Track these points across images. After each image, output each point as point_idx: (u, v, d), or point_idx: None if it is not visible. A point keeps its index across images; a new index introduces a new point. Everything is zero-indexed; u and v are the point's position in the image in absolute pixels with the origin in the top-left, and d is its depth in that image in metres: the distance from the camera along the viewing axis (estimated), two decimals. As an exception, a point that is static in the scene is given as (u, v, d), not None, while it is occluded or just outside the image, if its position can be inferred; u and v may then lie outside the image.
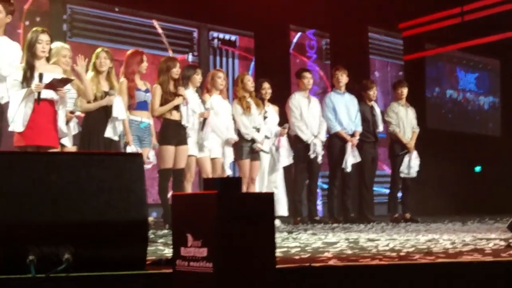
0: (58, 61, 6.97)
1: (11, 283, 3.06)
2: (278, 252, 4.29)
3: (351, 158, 9.64)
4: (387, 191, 10.58)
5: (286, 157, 9.22)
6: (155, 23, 11.33)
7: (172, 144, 7.89)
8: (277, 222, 8.88)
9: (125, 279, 3.18)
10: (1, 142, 6.41)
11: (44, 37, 6.52)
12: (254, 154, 8.88)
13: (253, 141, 8.85)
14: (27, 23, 9.37)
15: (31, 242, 3.19)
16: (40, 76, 6.34)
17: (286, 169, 9.54)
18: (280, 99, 9.62)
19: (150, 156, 7.78)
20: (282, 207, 9.32)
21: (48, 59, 6.63)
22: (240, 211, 2.79)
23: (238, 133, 8.78)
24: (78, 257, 3.18)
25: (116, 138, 7.26)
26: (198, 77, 8.25)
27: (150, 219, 8.13)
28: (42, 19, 9.60)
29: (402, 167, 10.04)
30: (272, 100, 9.39)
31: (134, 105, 7.65)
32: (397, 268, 3.58)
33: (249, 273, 2.78)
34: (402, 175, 10.08)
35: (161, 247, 4.86)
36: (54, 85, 6.35)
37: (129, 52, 7.92)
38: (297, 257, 4.04)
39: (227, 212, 2.77)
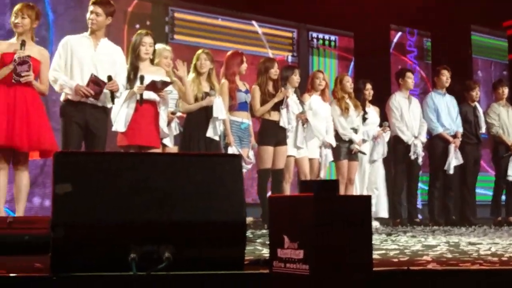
0: (159, 62, 7.11)
1: (113, 280, 3.15)
2: (376, 255, 4.25)
3: (454, 160, 9.48)
4: (490, 193, 10.34)
5: (379, 152, 9.15)
6: (255, 24, 11.41)
7: (271, 144, 7.94)
8: (376, 224, 8.81)
9: (223, 279, 3.22)
10: (106, 142, 6.59)
11: (148, 40, 6.68)
12: (352, 155, 8.84)
13: (350, 142, 8.82)
14: (136, 26, 9.58)
15: (133, 241, 3.26)
16: (142, 78, 6.48)
17: (386, 171, 9.45)
18: (380, 100, 9.55)
19: (250, 156, 7.85)
20: (382, 209, 9.25)
21: (152, 61, 6.79)
22: (337, 214, 2.79)
23: (336, 134, 8.76)
24: (178, 256, 3.24)
25: (216, 138, 7.36)
26: (296, 78, 8.28)
27: (249, 219, 8.20)
28: (145, 22, 9.81)
29: (509, 170, 9.80)
30: (372, 101, 9.32)
31: (235, 106, 7.73)
32: (498, 274, 3.50)
33: (346, 276, 2.77)
34: (510, 178, 9.83)
35: (259, 247, 4.89)
36: (155, 87, 6.48)
37: (229, 53, 8.01)
38: (395, 260, 4.00)
39: (324, 214, 2.77)
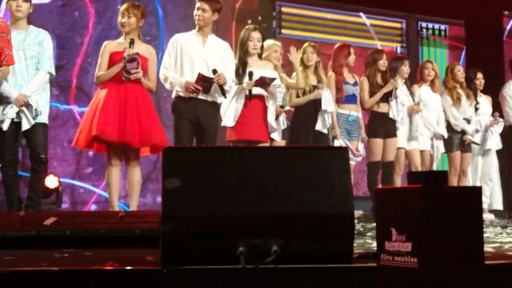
0: (269, 56, 7.15)
1: (222, 272, 3.19)
2: (490, 248, 4.15)
3: None
4: None
5: (492, 143, 8.91)
6: (363, 15, 11.31)
7: (381, 136, 7.86)
8: (491, 216, 8.59)
9: (331, 272, 3.21)
10: (217, 137, 6.68)
11: (256, 35, 6.73)
12: (465, 146, 8.65)
13: (463, 132, 8.62)
14: (248, 21, 9.66)
15: (241, 234, 3.29)
16: (250, 74, 6.54)
17: (500, 162, 9.20)
18: (492, 89, 9.29)
19: (359, 148, 7.79)
20: (497, 201, 9.02)
21: (260, 56, 6.84)
22: (445, 205, 2.73)
23: (448, 124, 8.59)
24: (285, 250, 3.25)
25: (325, 131, 7.34)
26: (405, 69, 8.16)
27: (359, 212, 8.14)
28: (253, 17, 9.87)
29: None
30: (484, 90, 9.09)
31: (342, 99, 7.69)
32: None
33: (455, 269, 2.71)
34: None
35: (369, 240, 4.85)
36: (263, 82, 6.53)
37: (336, 45, 7.97)
38: (510, 253, 3.89)
39: (432, 206, 2.72)
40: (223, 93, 6.41)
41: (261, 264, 3.16)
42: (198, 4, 6.50)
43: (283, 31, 10.45)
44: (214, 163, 3.43)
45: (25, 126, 5.91)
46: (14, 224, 3.25)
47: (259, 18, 9.90)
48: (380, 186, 7.83)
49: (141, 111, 6.14)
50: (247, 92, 6.54)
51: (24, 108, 5.89)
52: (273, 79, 6.61)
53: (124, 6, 6.35)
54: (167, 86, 6.46)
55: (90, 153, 7.30)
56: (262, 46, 6.83)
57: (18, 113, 5.90)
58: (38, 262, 3.44)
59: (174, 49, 6.47)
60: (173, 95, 6.48)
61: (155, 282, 3.17)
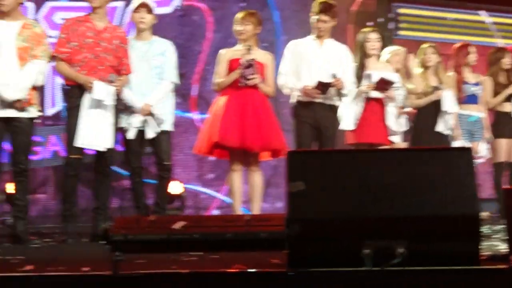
0: (390, 60, 7.12)
1: (348, 275, 3.20)
2: None
3: None
4: None
5: None
6: (483, 13, 11.06)
7: (505, 136, 7.67)
8: None
9: (458, 274, 3.17)
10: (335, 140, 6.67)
11: (373, 35, 6.72)
12: None
13: None
14: (367, 23, 9.62)
15: (366, 236, 3.29)
16: (369, 76, 6.52)
17: None
18: None
19: (482, 149, 7.62)
20: None
21: (379, 57, 6.82)
22: None
23: None
24: (411, 251, 3.23)
25: (447, 132, 7.23)
26: (530, 67, 7.94)
27: (485, 214, 7.96)
28: (371, 20, 9.81)
29: None
30: None
31: (463, 99, 7.55)
32: None
33: None
34: None
35: (496, 242, 4.75)
36: (383, 85, 6.50)
37: (456, 45, 7.83)
38: None
39: None
40: (341, 96, 6.42)
41: (387, 266, 3.15)
42: (317, 16, 6.49)
43: (401, 32, 10.34)
44: (337, 166, 3.45)
45: (150, 134, 6.09)
46: (144, 229, 3.36)
47: (378, 20, 9.84)
48: (507, 186, 7.63)
49: (261, 116, 6.22)
50: (366, 95, 6.53)
51: (149, 117, 6.06)
52: (393, 82, 6.57)
53: (240, 14, 6.44)
54: (286, 91, 6.52)
55: (212, 159, 7.43)
56: (381, 48, 6.81)
57: (143, 122, 6.08)
58: (168, 265, 3.55)
59: (292, 55, 6.52)
60: (292, 100, 6.53)
61: (280, 285, 3.22)
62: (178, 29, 8.74)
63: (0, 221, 6.69)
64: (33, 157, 7.18)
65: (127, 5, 8.21)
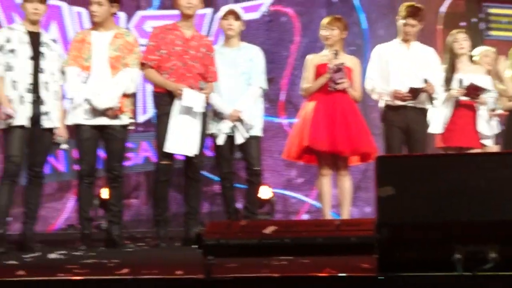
0: (480, 61, 7.02)
1: (438, 279, 3.18)
2: None
3: None
4: None
5: None
6: None
7: None
8: None
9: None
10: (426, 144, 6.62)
11: (460, 35, 6.67)
12: None
13: None
14: (448, 26, 9.51)
15: (457, 241, 3.27)
16: (460, 81, 6.47)
17: None
18: None
19: None
20: None
21: (471, 58, 6.75)
22: None
23: None
24: (503, 256, 3.19)
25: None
26: None
27: None
28: (461, 20, 9.68)
29: None
30: None
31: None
32: None
33: None
34: None
35: None
36: (473, 91, 6.44)
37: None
38: None
39: None
40: (431, 101, 6.38)
41: (478, 271, 3.12)
42: (404, 21, 6.44)
43: (492, 32, 10.16)
44: (427, 170, 3.44)
45: (239, 140, 6.16)
46: (236, 233, 3.42)
47: (470, 20, 9.70)
48: None
49: (350, 120, 6.22)
50: (456, 99, 6.48)
51: (238, 123, 6.14)
52: (484, 89, 6.49)
53: (326, 19, 6.46)
54: (375, 96, 6.50)
55: (301, 163, 7.46)
56: (471, 47, 6.73)
57: (232, 128, 6.16)
58: (259, 269, 3.60)
59: (379, 59, 6.50)
60: (381, 104, 6.50)
61: (371, 289, 3.23)
62: (266, 34, 8.82)
63: (95, 226, 6.87)
64: (126, 163, 7.37)
65: (215, 12, 8.33)
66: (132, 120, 6.00)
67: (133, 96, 6.07)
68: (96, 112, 5.80)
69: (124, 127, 5.93)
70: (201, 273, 3.43)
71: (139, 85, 6.91)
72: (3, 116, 5.61)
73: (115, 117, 5.83)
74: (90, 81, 5.80)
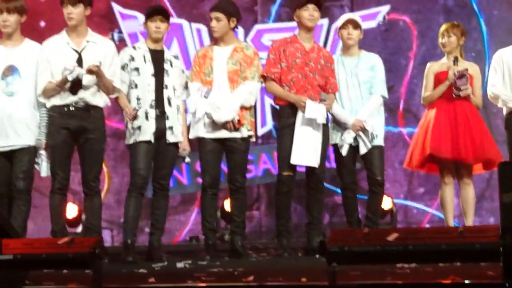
0: None
1: None
2: None
3: None
4: None
5: None
6: None
7: None
8: None
9: None
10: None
11: None
12: None
13: None
14: None
15: None
16: None
17: None
18: None
19: None
20: None
21: None
22: None
23: None
24: None
25: None
26: None
27: None
28: None
29: None
30: None
31: None
32: None
33: None
34: None
35: None
36: None
37: None
38: None
39: None
40: None
41: None
42: None
43: None
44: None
45: (363, 150, 6.15)
46: (360, 240, 3.45)
47: None
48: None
49: (472, 127, 6.13)
50: None
51: (361, 133, 6.14)
52: None
53: (444, 26, 6.40)
54: (499, 104, 6.34)
55: (422, 173, 7.39)
56: None
57: (355, 138, 6.16)
58: (383, 276, 3.61)
59: (500, 65, 6.36)
60: (506, 110, 6.35)
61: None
62: (383, 43, 8.79)
63: (218, 237, 7.02)
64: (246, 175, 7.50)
65: (330, 23, 8.38)
66: (251, 133, 6.10)
67: (252, 108, 6.17)
68: (216, 125, 5.94)
69: (244, 139, 6.03)
70: (325, 280, 3.47)
71: (258, 98, 7.03)
72: (132, 112, 5.81)
73: (235, 129, 5.95)
74: (211, 95, 5.95)
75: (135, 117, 5.79)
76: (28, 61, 5.75)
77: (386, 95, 6.37)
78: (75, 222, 7.70)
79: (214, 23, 6.05)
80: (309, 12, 6.08)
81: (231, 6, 6.11)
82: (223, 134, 5.96)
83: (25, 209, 5.72)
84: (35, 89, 5.73)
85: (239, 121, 5.93)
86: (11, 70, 5.71)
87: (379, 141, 6.24)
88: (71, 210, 7.62)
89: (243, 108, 5.99)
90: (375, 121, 6.23)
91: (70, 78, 5.59)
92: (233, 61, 6.00)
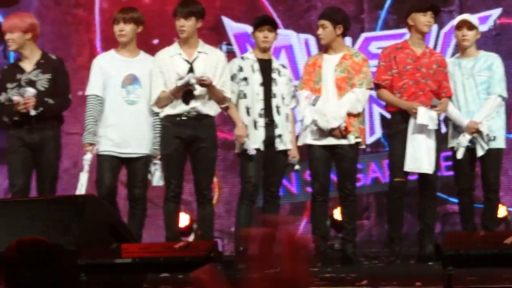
0: None
1: None
2: None
3: None
4: None
5: None
6: None
7: None
8: None
9: None
10: None
11: None
12: None
13: None
14: None
15: None
16: None
17: None
18: None
19: None
20: None
21: None
22: None
23: None
24: None
25: None
26: None
27: None
28: None
29: None
30: None
31: None
32: None
33: None
34: None
35: None
36: None
37: None
38: None
39: None
40: None
41: None
42: None
43: None
44: None
45: (479, 152, 6.00)
46: (476, 244, 3.39)
47: None
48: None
49: None
50: None
51: (476, 135, 6.00)
52: None
53: None
54: None
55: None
56: None
57: (471, 140, 6.01)
58: (500, 281, 3.54)
59: None
60: None
61: None
62: (494, 48, 8.60)
63: (329, 245, 7.00)
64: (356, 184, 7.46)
65: (439, 28, 8.27)
66: (360, 140, 6.07)
67: (361, 116, 6.14)
68: (324, 132, 5.95)
69: (352, 146, 6.01)
70: (440, 284, 3.43)
71: (366, 106, 6.97)
72: (244, 132, 5.89)
73: (342, 137, 5.94)
74: (318, 102, 5.96)
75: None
76: (146, 72, 5.90)
77: (505, 95, 6.17)
78: (187, 231, 7.83)
79: (320, 31, 6.08)
80: (427, 18, 6.03)
81: (337, 13, 6.13)
82: (331, 141, 5.96)
83: (141, 217, 5.86)
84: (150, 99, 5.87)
85: (346, 128, 5.92)
86: (131, 79, 5.87)
87: (499, 143, 6.07)
88: (183, 219, 7.75)
89: (350, 115, 5.97)
90: (494, 123, 6.06)
91: (179, 83, 5.70)
92: (341, 68, 6.00)
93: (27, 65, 5.92)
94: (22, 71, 5.90)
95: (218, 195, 8.64)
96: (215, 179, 8.29)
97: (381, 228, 7.86)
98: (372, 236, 8.56)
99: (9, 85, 5.88)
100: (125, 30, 5.89)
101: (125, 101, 5.85)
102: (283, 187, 8.15)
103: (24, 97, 5.69)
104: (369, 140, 8.53)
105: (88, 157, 5.75)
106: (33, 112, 5.70)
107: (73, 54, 8.08)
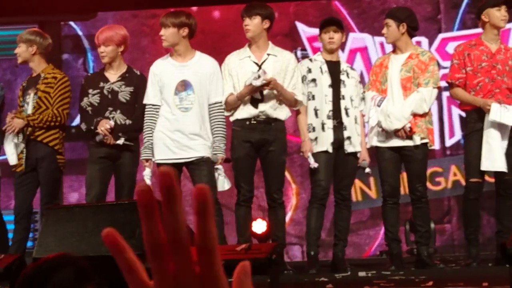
0: None
1: None
2: None
3: None
4: None
5: None
6: None
7: None
8: None
9: None
10: None
11: None
12: None
13: None
14: None
15: None
16: None
17: None
18: None
19: None
20: None
21: None
22: None
23: None
24: None
25: None
26: None
27: None
28: None
29: None
30: None
31: None
32: None
33: None
34: None
35: None
36: None
37: None
38: None
39: None
40: None
41: None
42: None
43: None
44: None
45: None
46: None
47: None
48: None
49: None
50: None
51: None
52: None
53: None
54: None
55: None
56: None
57: None
58: None
59: None
60: None
61: None
62: None
63: (407, 250, 6.87)
64: (435, 187, 7.32)
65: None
66: (426, 140, 5.92)
67: (428, 116, 5.99)
68: (389, 134, 5.85)
69: (419, 147, 5.87)
70: (507, 284, 3.31)
71: (444, 108, 6.84)
72: (307, 149, 5.85)
73: (408, 137, 5.83)
74: (384, 103, 5.87)
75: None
76: (199, 75, 5.82)
77: None
78: (264, 237, 7.82)
79: (384, 30, 6.01)
80: (502, 13, 5.87)
81: (401, 11, 6.05)
82: (396, 142, 5.86)
83: (218, 220, 5.76)
84: (207, 103, 5.79)
85: (411, 129, 5.80)
86: (184, 85, 5.84)
87: None
88: (260, 226, 7.74)
89: (416, 115, 5.84)
90: None
91: (258, 83, 5.66)
92: (407, 68, 5.89)
93: (112, 76, 5.97)
94: (106, 80, 5.97)
95: (297, 201, 8.61)
96: (293, 186, 8.27)
97: (463, 232, 7.69)
98: (454, 240, 8.38)
99: (90, 91, 5.97)
100: (164, 35, 5.85)
101: (178, 109, 5.81)
102: (363, 192, 8.08)
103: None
104: (449, 142, 8.38)
105: (147, 172, 5.77)
106: (120, 142, 5.81)
107: (151, 64, 8.20)
